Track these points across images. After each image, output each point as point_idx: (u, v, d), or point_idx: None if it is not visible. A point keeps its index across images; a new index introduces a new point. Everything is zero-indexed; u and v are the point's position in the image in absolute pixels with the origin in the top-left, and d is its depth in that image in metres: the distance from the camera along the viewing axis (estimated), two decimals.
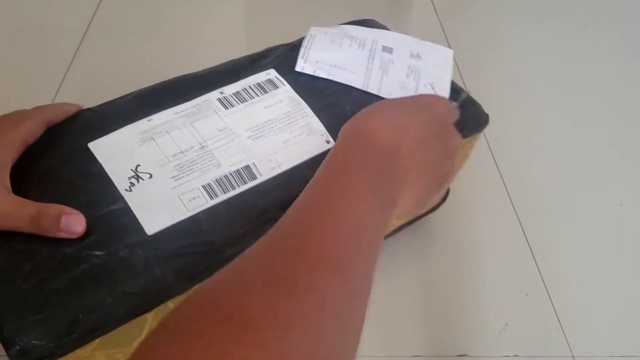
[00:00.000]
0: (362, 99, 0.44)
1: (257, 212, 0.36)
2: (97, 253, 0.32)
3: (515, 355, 0.48)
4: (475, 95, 0.47)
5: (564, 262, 0.55)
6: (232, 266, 0.26)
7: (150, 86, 0.43)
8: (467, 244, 0.56)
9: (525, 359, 0.48)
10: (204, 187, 0.36)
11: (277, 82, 0.43)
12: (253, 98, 0.42)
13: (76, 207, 0.33)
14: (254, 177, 0.38)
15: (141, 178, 0.36)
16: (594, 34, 0.84)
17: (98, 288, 0.31)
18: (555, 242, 0.57)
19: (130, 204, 0.35)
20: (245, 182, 0.37)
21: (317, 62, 0.45)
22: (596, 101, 0.73)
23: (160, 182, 0.36)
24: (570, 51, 0.80)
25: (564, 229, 0.58)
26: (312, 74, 0.45)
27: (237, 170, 0.37)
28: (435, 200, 0.37)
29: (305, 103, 0.42)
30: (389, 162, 0.32)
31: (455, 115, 0.39)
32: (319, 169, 0.32)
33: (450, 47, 0.50)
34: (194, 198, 0.36)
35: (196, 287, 0.33)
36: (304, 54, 0.45)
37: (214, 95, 0.41)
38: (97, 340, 0.32)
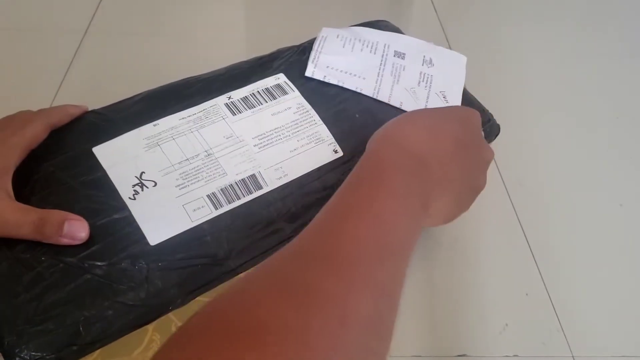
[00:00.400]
0: (371, 107, 0.43)
1: (261, 223, 0.36)
2: (99, 263, 0.32)
3: (515, 355, 0.48)
4: (475, 95, 0.47)
5: (564, 262, 0.55)
6: (260, 270, 0.25)
7: (157, 88, 0.42)
8: (466, 244, 0.56)
9: (525, 359, 0.48)
10: (208, 196, 0.36)
11: (286, 88, 0.43)
12: (261, 104, 0.41)
13: (79, 215, 0.33)
14: (260, 187, 0.37)
15: (145, 186, 0.35)
16: (594, 34, 0.84)
17: (99, 299, 0.31)
18: (555, 242, 0.57)
19: (133, 213, 0.34)
20: (251, 192, 0.37)
21: (328, 67, 0.44)
22: (596, 101, 0.73)
23: (165, 190, 0.36)
24: (570, 51, 0.80)
25: (564, 229, 0.58)
26: (321, 79, 0.44)
27: (243, 180, 0.37)
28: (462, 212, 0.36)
29: (314, 110, 0.41)
30: (423, 169, 0.31)
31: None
32: (349, 174, 0.31)
33: (450, 47, 0.50)
34: (199, 208, 0.35)
35: (201, 298, 0.33)
36: (315, 58, 0.45)
37: (221, 100, 0.41)
38: (98, 351, 0.31)
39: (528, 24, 0.85)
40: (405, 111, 0.44)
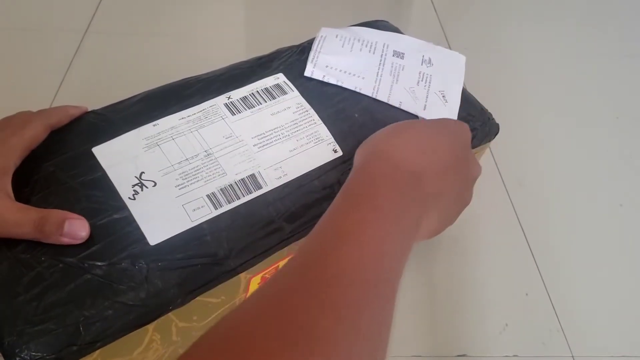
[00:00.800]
0: (370, 106, 0.43)
1: (261, 223, 0.36)
2: (99, 263, 0.32)
3: (515, 355, 0.48)
4: (474, 95, 0.47)
5: (564, 262, 0.55)
6: (246, 305, 0.24)
7: (156, 88, 0.42)
8: (467, 244, 0.56)
9: (525, 359, 0.48)
10: (208, 196, 0.36)
11: (286, 88, 0.43)
12: (260, 104, 0.41)
13: (79, 215, 0.33)
14: (259, 187, 0.37)
15: (145, 186, 0.35)
16: (594, 34, 0.84)
17: (99, 299, 0.31)
18: (555, 242, 0.57)
19: (133, 213, 0.34)
20: (251, 192, 0.37)
21: (327, 66, 0.44)
22: (596, 101, 0.73)
23: (165, 190, 0.35)
24: (570, 51, 0.81)
25: (564, 229, 0.58)
26: (321, 79, 0.44)
27: (243, 180, 0.37)
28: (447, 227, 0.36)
29: (313, 110, 0.41)
30: (415, 186, 0.30)
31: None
32: (340, 191, 0.30)
33: (450, 47, 0.50)
34: (198, 208, 0.35)
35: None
36: (314, 58, 0.45)
37: (220, 100, 0.41)
38: (98, 351, 0.31)
39: (528, 24, 0.85)
40: (404, 111, 0.44)
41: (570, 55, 0.80)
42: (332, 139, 0.40)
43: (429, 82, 0.46)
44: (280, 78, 0.43)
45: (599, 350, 0.49)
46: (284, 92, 0.42)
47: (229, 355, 0.21)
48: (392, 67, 0.46)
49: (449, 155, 0.33)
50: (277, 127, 0.40)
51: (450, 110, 0.45)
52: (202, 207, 0.35)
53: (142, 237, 0.33)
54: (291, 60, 0.45)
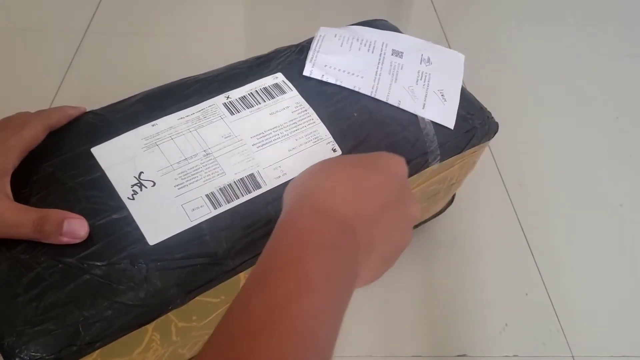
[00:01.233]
0: (369, 105, 0.43)
1: (260, 222, 0.36)
2: (98, 264, 0.32)
3: (515, 355, 0.48)
4: (474, 94, 0.47)
5: (563, 262, 0.55)
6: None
7: (155, 88, 0.42)
8: (467, 244, 0.56)
9: (525, 359, 0.48)
10: (207, 196, 0.36)
11: (284, 87, 0.43)
12: (259, 103, 0.41)
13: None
14: (259, 186, 0.37)
15: (144, 186, 0.35)
16: (594, 34, 0.84)
17: (99, 299, 0.31)
18: (555, 242, 0.57)
19: (132, 213, 0.34)
20: (250, 192, 0.37)
21: (325, 66, 0.44)
22: (596, 101, 0.73)
23: (164, 190, 0.35)
24: (570, 51, 0.81)
25: (564, 229, 0.58)
26: (319, 78, 0.44)
27: (242, 179, 0.37)
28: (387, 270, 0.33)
29: (312, 109, 0.41)
30: (348, 237, 0.28)
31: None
32: (267, 245, 0.27)
33: (450, 47, 0.50)
34: (197, 207, 0.35)
35: None
36: (312, 57, 0.45)
37: (219, 99, 0.41)
38: (98, 351, 0.31)
39: (528, 23, 0.85)
40: (403, 110, 0.44)
41: (570, 55, 0.80)
42: (331, 138, 0.40)
43: (428, 81, 0.46)
44: (279, 77, 0.43)
45: (599, 350, 0.49)
46: (283, 92, 0.42)
47: None
48: (391, 66, 0.46)
49: (384, 195, 0.30)
50: (276, 127, 0.40)
51: (449, 108, 0.45)
52: (201, 206, 0.35)
53: (142, 237, 0.33)
54: (290, 59, 0.45)
